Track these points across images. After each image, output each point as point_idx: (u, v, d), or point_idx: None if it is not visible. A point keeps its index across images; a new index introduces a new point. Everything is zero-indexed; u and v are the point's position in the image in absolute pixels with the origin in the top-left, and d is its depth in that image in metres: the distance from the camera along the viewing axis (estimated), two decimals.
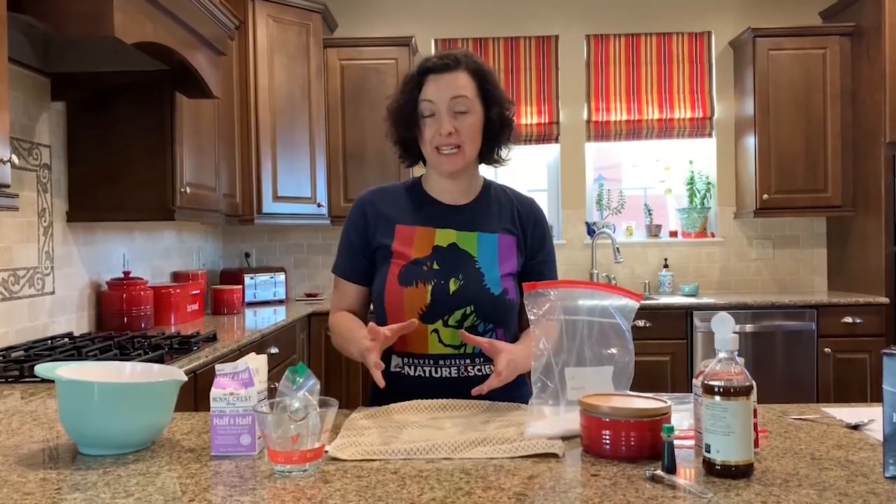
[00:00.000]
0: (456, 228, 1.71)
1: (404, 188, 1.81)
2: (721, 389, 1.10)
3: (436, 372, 1.66)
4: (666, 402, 1.25)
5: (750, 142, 4.64)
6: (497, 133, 1.71)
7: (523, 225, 1.76)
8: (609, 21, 4.95)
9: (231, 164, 3.96)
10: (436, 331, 1.65)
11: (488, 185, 1.81)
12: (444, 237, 1.70)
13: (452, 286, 1.65)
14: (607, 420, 1.21)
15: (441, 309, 1.65)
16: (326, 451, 1.21)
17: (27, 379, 2.01)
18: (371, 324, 1.54)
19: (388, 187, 1.83)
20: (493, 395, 1.53)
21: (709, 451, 1.11)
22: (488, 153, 1.74)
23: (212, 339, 2.78)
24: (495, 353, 1.52)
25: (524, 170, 5.06)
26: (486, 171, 1.84)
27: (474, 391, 1.50)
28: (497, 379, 1.49)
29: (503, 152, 1.77)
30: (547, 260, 1.78)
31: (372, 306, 1.77)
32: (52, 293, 2.83)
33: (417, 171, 1.85)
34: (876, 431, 1.33)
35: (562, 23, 4.96)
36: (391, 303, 1.67)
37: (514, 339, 1.75)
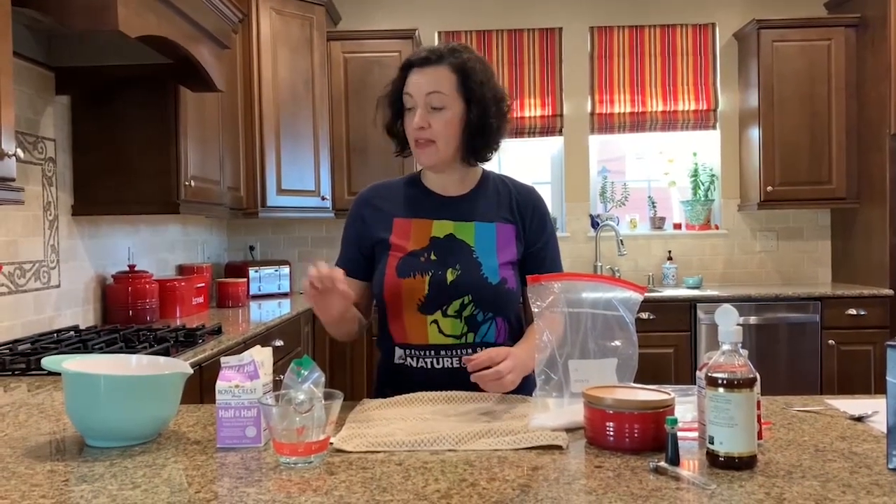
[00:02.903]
0: (452, 219, 1.72)
1: (402, 183, 1.82)
2: (725, 381, 1.11)
3: (437, 363, 1.66)
4: (669, 394, 1.25)
5: (754, 134, 4.63)
6: (476, 132, 1.68)
7: (522, 212, 1.76)
8: (613, 13, 4.94)
9: (235, 158, 3.96)
10: (435, 321, 1.66)
11: (486, 176, 1.80)
12: (440, 228, 1.71)
13: (450, 276, 1.65)
14: (611, 412, 1.21)
15: (439, 299, 1.65)
16: (331, 443, 1.21)
17: (34, 372, 2.02)
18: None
19: (386, 183, 1.84)
20: None
21: (712, 443, 1.11)
22: (469, 150, 1.70)
23: (217, 331, 2.79)
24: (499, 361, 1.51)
25: (528, 162, 5.06)
26: (489, 162, 1.83)
27: (464, 359, 1.52)
28: (495, 377, 1.48)
29: (487, 151, 1.72)
30: (547, 246, 1.77)
31: (374, 300, 1.78)
32: (58, 286, 2.84)
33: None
34: (879, 423, 1.33)
35: (565, 15, 4.94)
36: (390, 294, 1.68)
37: (515, 328, 1.75)
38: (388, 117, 1.75)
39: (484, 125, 1.68)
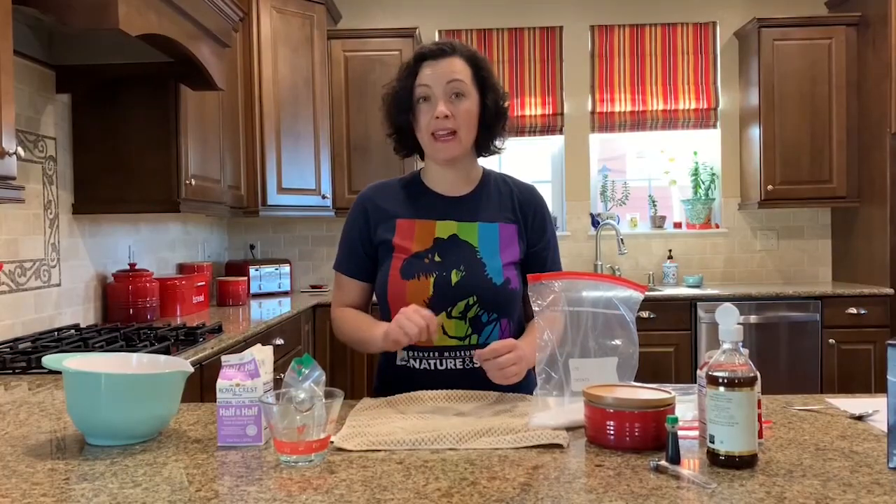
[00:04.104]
0: (456, 219, 1.71)
1: (403, 182, 1.81)
2: (725, 380, 1.11)
3: (441, 364, 1.66)
4: (670, 392, 1.25)
5: (755, 132, 4.63)
6: (493, 120, 1.71)
7: (524, 212, 1.76)
8: (614, 11, 4.94)
9: (236, 156, 3.96)
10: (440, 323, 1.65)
11: (487, 175, 1.80)
12: (444, 229, 1.70)
13: (454, 277, 1.65)
14: (611, 411, 1.21)
15: (444, 301, 1.65)
16: (332, 442, 1.21)
17: (34, 370, 2.02)
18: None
19: (387, 182, 1.83)
20: (498, 386, 1.54)
21: (713, 442, 1.11)
22: (484, 142, 1.73)
23: (217, 330, 2.79)
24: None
25: (528, 161, 5.06)
26: (490, 161, 1.83)
27: (475, 353, 1.51)
28: (500, 366, 1.48)
29: (499, 141, 1.76)
30: (548, 247, 1.78)
31: (375, 300, 1.77)
32: (59, 285, 2.84)
33: (420, 164, 1.85)
34: (880, 422, 1.33)
35: (566, 13, 4.94)
36: (394, 296, 1.67)
37: (518, 328, 1.75)
38: (398, 115, 1.72)
39: (499, 113, 1.71)
